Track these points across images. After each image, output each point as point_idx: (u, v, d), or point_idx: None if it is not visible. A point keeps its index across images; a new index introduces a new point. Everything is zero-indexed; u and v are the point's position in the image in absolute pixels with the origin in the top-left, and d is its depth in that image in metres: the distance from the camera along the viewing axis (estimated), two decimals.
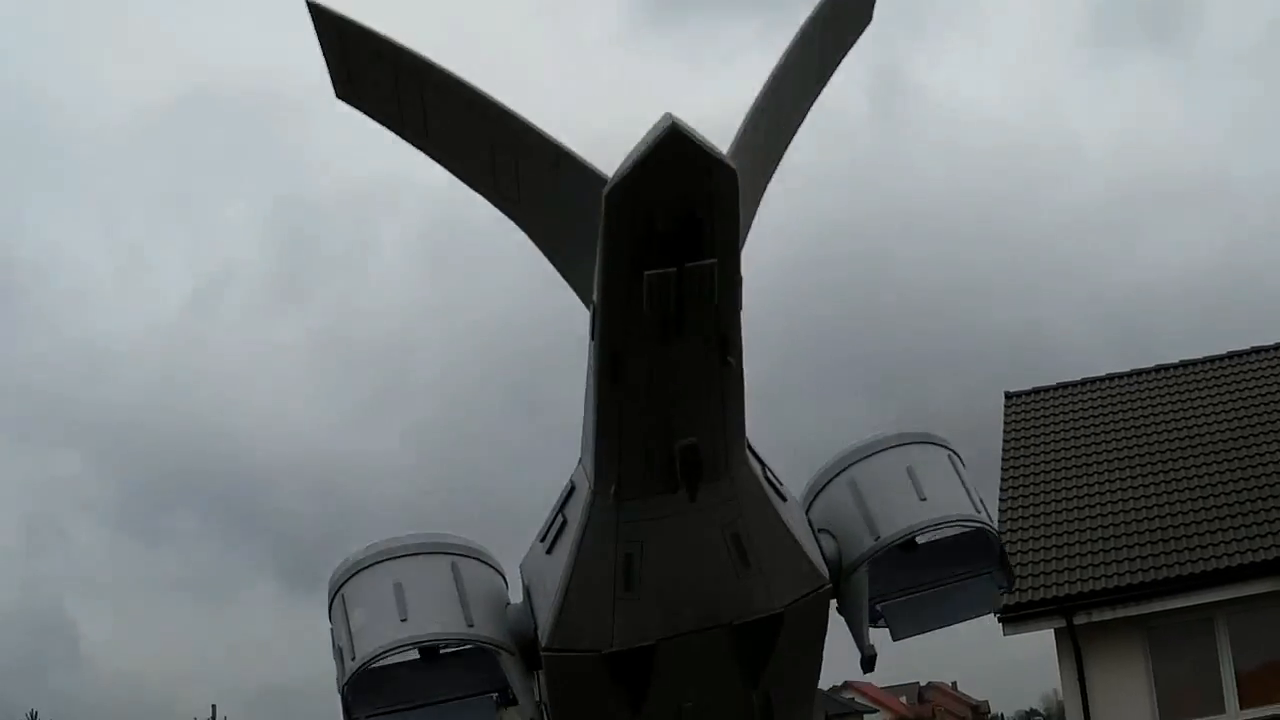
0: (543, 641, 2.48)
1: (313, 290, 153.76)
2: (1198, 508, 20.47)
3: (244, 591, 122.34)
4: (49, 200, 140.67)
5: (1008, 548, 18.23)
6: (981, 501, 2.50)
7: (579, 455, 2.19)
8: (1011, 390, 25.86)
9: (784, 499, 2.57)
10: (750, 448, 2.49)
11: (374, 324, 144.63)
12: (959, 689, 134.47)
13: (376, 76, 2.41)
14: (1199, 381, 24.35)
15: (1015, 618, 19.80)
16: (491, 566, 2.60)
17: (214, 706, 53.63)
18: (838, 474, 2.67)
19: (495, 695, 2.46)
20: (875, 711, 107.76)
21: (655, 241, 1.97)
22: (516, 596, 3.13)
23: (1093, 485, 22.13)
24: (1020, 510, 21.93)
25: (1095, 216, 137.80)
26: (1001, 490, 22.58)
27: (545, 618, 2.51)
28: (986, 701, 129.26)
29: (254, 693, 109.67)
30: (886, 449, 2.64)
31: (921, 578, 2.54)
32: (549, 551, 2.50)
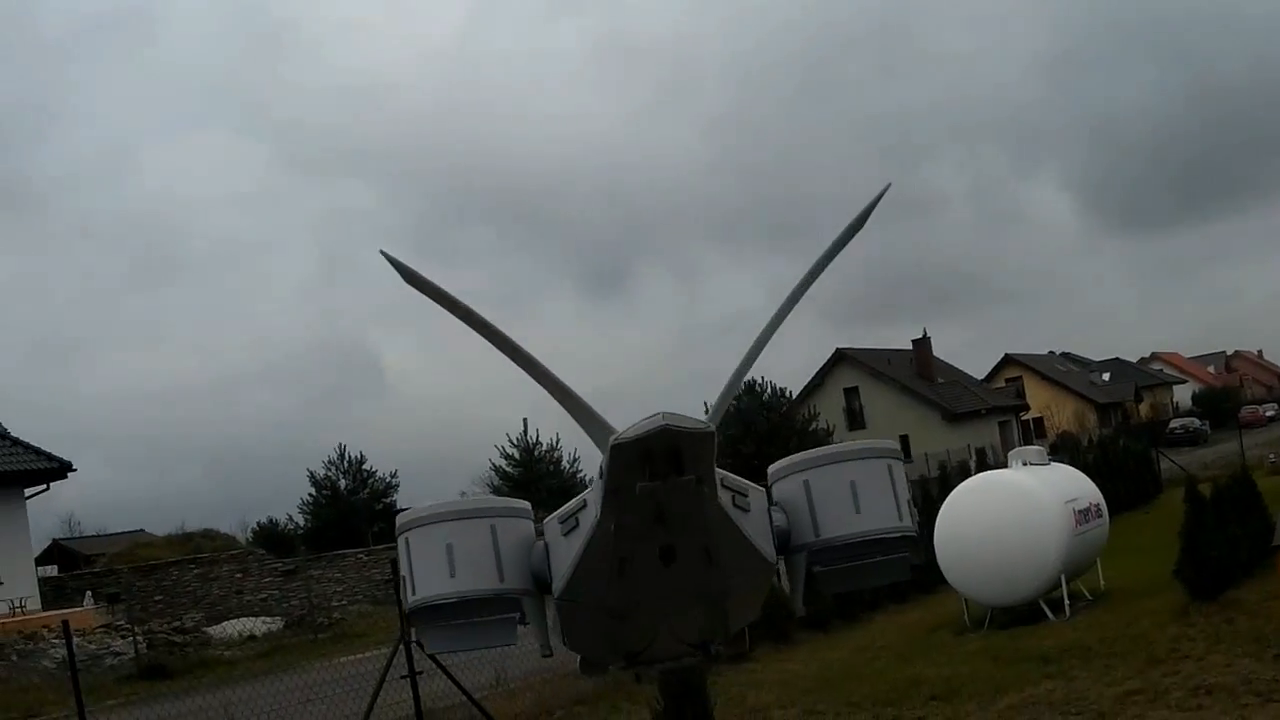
0: (555, 593, 3.22)
1: None
2: None
3: (544, 302, 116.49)
4: None
5: None
6: (908, 503, 3.18)
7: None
8: None
9: (747, 510, 3.17)
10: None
11: (652, 21, 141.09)
12: (1264, 357, 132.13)
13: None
14: None
15: None
16: (522, 517, 3.24)
17: (525, 420, 55.65)
18: (797, 472, 3.33)
19: (516, 615, 3.19)
20: (1184, 382, 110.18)
21: (647, 469, 2.77)
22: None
23: None
24: None
25: None
26: None
27: (558, 579, 3.27)
28: None
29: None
30: (838, 463, 3.24)
31: (849, 554, 3.18)
32: (565, 535, 3.15)
